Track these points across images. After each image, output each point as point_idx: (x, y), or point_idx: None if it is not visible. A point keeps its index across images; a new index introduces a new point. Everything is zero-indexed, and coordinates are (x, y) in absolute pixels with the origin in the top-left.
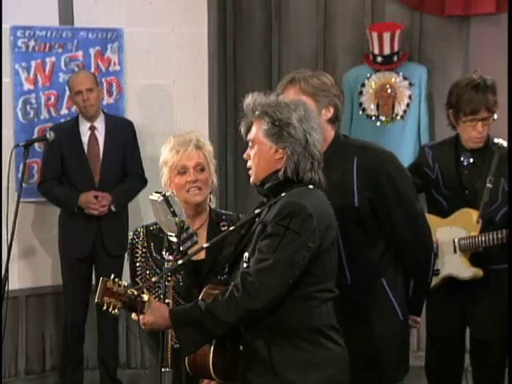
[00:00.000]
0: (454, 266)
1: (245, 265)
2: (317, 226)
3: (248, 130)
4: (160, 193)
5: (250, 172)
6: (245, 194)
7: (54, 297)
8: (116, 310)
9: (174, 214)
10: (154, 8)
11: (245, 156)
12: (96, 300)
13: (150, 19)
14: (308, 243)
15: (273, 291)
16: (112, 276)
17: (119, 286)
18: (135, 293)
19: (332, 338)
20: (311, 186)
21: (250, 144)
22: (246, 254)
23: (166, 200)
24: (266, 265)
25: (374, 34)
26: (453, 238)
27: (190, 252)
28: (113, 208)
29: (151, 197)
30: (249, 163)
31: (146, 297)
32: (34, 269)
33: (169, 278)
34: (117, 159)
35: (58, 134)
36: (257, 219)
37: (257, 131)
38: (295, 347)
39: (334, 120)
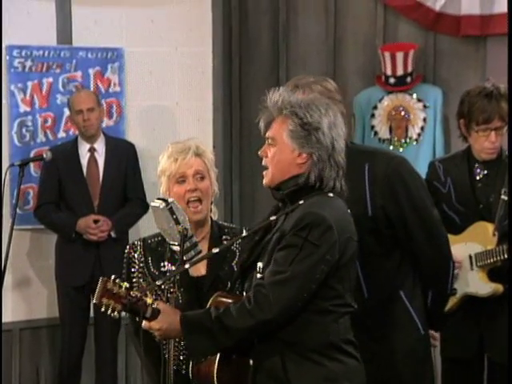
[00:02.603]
0: (472, 283)
1: (258, 275)
2: (337, 239)
3: (268, 126)
4: (162, 199)
5: (264, 172)
6: (251, 221)
7: (50, 330)
8: (115, 313)
9: (176, 222)
10: (156, 27)
11: (261, 153)
12: (94, 301)
13: (152, 38)
14: (326, 256)
15: (287, 305)
16: (112, 276)
17: (120, 287)
18: (138, 295)
19: (349, 353)
20: (331, 194)
21: (269, 141)
22: (260, 264)
23: (169, 207)
24: (281, 278)
25: (387, 54)
26: (468, 254)
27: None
28: (113, 234)
29: (153, 203)
30: (264, 161)
31: (149, 300)
32: (28, 300)
33: (171, 290)
34: (117, 183)
35: (56, 156)
36: (272, 227)
37: (280, 130)
38: (312, 363)
39: None
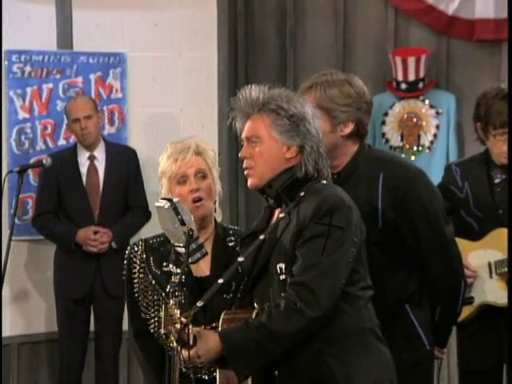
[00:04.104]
0: (491, 291)
1: (282, 277)
2: (356, 219)
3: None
4: (167, 199)
5: (247, 172)
6: None
7: (49, 344)
8: (175, 343)
9: (182, 223)
10: (160, 31)
11: (242, 155)
12: (162, 330)
13: (155, 43)
14: (353, 237)
15: (332, 295)
16: (171, 301)
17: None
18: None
19: (382, 339)
20: (325, 181)
21: (252, 140)
22: (282, 265)
23: (174, 207)
24: (318, 270)
25: (398, 59)
26: (488, 261)
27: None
28: (113, 245)
29: (157, 203)
30: (247, 163)
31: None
32: (26, 314)
33: (176, 293)
34: (118, 191)
35: (55, 164)
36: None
37: (265, 126)
38: (355, 355)
39: (355, 135)
